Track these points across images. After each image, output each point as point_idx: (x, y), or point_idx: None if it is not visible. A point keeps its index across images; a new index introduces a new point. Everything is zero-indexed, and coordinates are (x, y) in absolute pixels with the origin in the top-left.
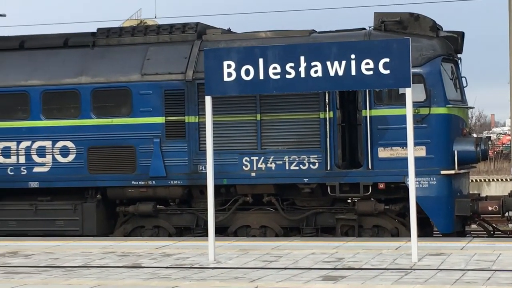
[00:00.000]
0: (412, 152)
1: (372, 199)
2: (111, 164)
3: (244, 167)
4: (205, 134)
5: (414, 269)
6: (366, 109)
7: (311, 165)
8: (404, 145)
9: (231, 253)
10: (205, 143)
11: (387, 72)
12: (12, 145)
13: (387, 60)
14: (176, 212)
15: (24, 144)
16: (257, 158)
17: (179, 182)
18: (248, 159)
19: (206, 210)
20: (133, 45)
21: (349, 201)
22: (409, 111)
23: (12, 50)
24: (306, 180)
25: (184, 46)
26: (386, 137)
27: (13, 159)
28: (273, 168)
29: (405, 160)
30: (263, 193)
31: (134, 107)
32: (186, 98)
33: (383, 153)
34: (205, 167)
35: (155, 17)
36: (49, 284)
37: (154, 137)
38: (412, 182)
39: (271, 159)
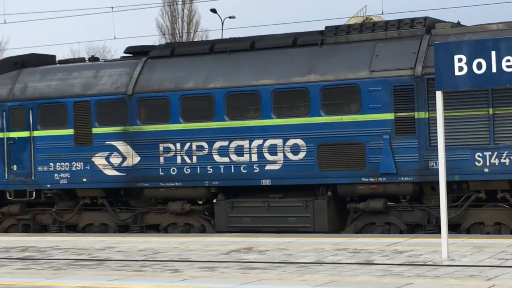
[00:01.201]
0: None
1: None
2: (341, 161)
3: (476, 162)
4: (435, 129)
5: None
6: None
7: None
8: None
9: (465, 250)
10: (436, 139)
11: None
12: (245, 143)
13: None
14: (407, 209)
15: (256, 142)
16: (490, 153)
17: (409, 178)
18: (480, 155)
19: (438, 206)
20: (361, 42)
21: None
22: None
23: (244, 51)
24: None
25: (412, 41)
26: None
27: (246, 157)
28: (507, 164)
29: None
30: (497, 189)
31: (363, 104)
32: (416, 94)
33: None
34: (436, 163)
35: (382, 13)
36: (284, 280)
37: (383, 134)
38: None
39: (505, 154)
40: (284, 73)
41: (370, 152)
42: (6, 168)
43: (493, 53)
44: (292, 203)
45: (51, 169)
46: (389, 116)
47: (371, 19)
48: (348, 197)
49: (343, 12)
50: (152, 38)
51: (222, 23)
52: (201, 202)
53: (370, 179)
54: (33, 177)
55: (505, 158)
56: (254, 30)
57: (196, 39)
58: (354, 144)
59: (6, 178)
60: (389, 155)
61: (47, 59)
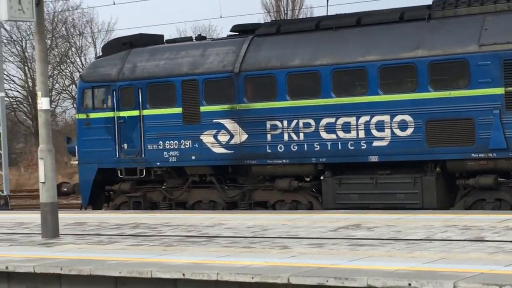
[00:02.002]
0: None
1: None
2: (450, 136)
3: None
4: None
5: None
6: None
7: None
8: None
9: None
10: None
11: None
12: (352, 120)
13: None
14: None
15: (363, 119)
16: None
17: None
18: None
19: None
20: (470, 16)
21: None
22: None
23: (350, 27)
24: None
25: None
26: None
27: (353, 134)
28: None
29: None
30: None
31: (472, 79)
32: None
33: None
34: None
35: None
36: (393, 257)
37: (493, 109)
38: None
39: None
40: (391, 49)
41: (480, 127)
42: (117, 147)
43: None
44: (400, 179)
45: (160, 147)
46: (499, 90)
47: None
48: (457, 173)
49: None
50: (257, 16)
51: (327, 0)
52: (308, 179)
53: (480, 155)
54: (143, 155)
55: None
56: (359, 6)
57: (300, 17)
58: (463, 119)
59: (117, 156)
60: (499, 130)
61: (155, 39)
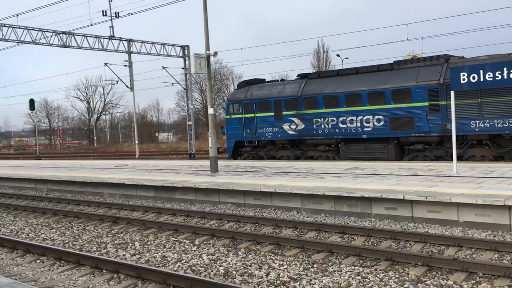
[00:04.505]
0: None
1: None
2: (401, 125)
3: None
4: None
5: None
6: None
7: None
8: None
9: None
10: None
11: None
12: (354, 118)
13: None
14: None
15: (359, 117)
16: None
17: None
18: None
19: None
20: (411, 68)
21: None
22: None
23: (353, 74)
24: None
25: None
26: None
27: (354, 124)
28: None
29: None
30: None
31: (413, 98)
32: None
33: None
34: None
35: None
36: (373, 182)
37: (423, 112)
38: None
39: None
40: (373, 84)
41: (416, 121)
42: (243, 131)
43: None
44: (377, 146)
45: (264, 131)
46: (426, 103)
47: None
48: (405, 143)
49: None
50: (309, 69)
51: (342, 61)
52: (333, 146)
53: (416, 134)
54: (256, 135)
55: None
56: (358, 63)
57: (329, 69)
58: (408, 117)
59: (244, 135)
60: (426, 123)
61: (261, 81)
